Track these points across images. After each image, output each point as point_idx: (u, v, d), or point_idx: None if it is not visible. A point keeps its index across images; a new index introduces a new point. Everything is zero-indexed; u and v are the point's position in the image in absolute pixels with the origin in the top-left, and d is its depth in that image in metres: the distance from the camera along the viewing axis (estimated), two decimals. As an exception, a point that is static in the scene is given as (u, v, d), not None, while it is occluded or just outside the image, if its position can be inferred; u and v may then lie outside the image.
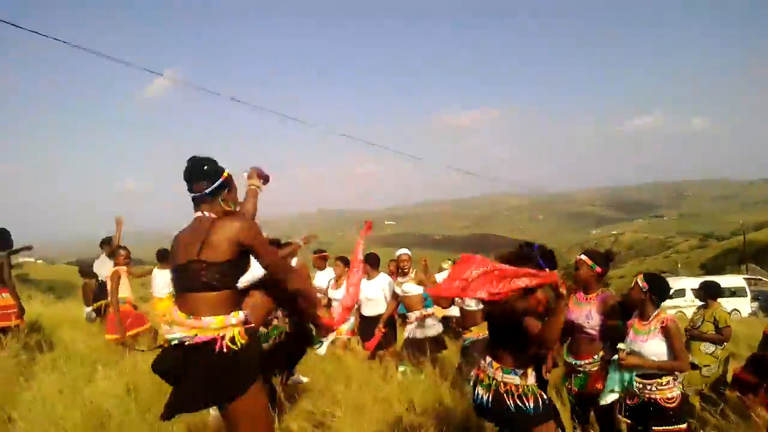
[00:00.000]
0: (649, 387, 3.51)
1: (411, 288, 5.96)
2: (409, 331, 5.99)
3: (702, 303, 5.80)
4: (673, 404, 3.46)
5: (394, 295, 6.15)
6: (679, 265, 67.47)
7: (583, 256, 3.98)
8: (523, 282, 2.77)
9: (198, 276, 2.31)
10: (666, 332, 3.49)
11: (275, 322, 4.24)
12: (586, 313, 3.84)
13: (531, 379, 2.97)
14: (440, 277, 7.89)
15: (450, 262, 8.59)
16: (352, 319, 6.42)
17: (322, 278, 7.23)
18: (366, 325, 6.32)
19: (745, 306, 20.25)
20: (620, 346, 3.58)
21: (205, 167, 2.51)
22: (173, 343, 2.33)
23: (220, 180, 2.51)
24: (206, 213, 2.48)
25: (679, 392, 3.50)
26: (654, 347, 3.50)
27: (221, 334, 2.29)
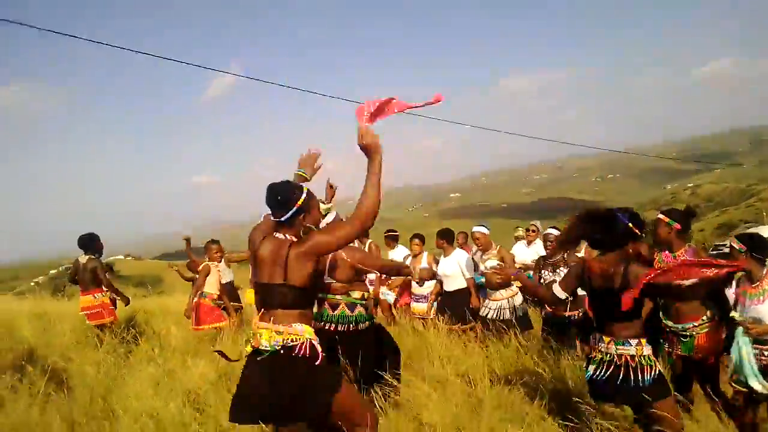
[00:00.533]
0: (766, 353, 3.27)
1: (494, 264, 5.86)
2: (493, 311, 5.86)
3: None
4: None
5: (473, 270, 6.09)
6: (765, 214, 63.57)
7: (660, 215, 3.80)
8: (712, 272, 2.60)
9: (285, 298, 2.54)
10: None
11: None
12: None
13: (647, 349, 2.85)
14: (516, 248, 7.72)
15: (521, 230, 8.34)
16: (390, 295, 6.49)
17: (395, 257, 7.27)
18: (447, 301, 6.28)
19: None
20: (735, 315, 3.34)
21: (279, 198, 2.63)
22: (264, 353, 2.49)
23: (295, 208, 2.62)
24: (286, 235, 2.64)
25: None
26: None
27: (310, 341, 2.53)
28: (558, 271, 5.13)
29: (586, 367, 3.05)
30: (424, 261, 6.44)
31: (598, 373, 2.90)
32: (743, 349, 3.28)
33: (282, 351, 2.47)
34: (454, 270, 6.16)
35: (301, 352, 2.48)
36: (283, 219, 2.63)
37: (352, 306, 3.94)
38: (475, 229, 6.18)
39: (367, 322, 3.99)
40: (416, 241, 6.69)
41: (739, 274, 3.44)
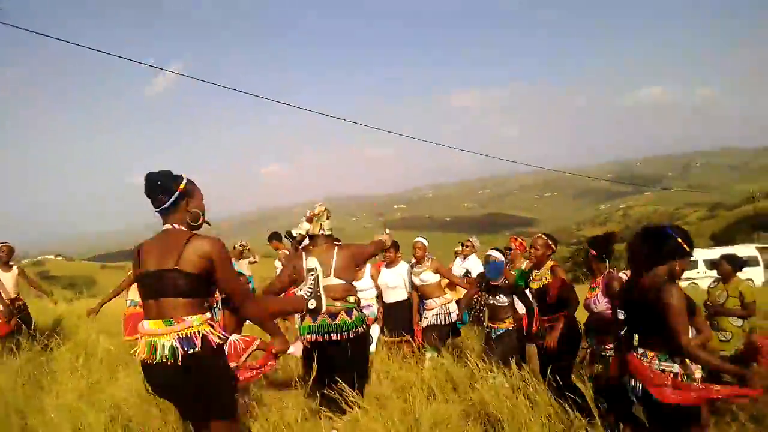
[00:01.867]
0: None
1: (428, 276, 5.90)
2: (429, 318, 5.91)
3: (718, 276, 5.63)
4: None
5: (412, 284, 6.12)
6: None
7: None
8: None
9: (174, 283, 2.45)
10: None
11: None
12: (593, 300, 3.84)
13: (696, 372, 2.82)
14: (456, 265, 7.83)
15: (460, 245, 8.46)
16: (374, 307, 6.37)
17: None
18: (389, 313, 6.25)
19: (758, 276, 19.97)
20: None
21: (159, 182, 2.58)
22: (163, 356, 2.40)
23: (177, 192, 2.58)
24: (176, 225, 2.59)
25: None
26: None
27: (206, 331, 2.46)
28: (498, 296, 5.15)
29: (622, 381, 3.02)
30: (367, 272, 6.40)
31: (634, 386, 2.88)
32: None
33: (185, 356, 2.40)
34: (398, 282, 6.16)
35: (207, 342, 2.44)
36: (166, 205, 2.57)
37: (349, 311, 3.96)
38: (417, 240, 6.19)
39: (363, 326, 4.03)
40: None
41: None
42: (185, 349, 2.38)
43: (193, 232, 2.60)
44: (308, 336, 3.96)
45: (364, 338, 4.13)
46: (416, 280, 6.01)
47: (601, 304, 4.43)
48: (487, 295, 5.18)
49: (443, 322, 5.86)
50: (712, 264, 5.55)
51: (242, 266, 8.24)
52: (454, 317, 5.88)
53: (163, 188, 2.56)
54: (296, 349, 4.12)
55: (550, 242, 4.76)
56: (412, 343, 5.94)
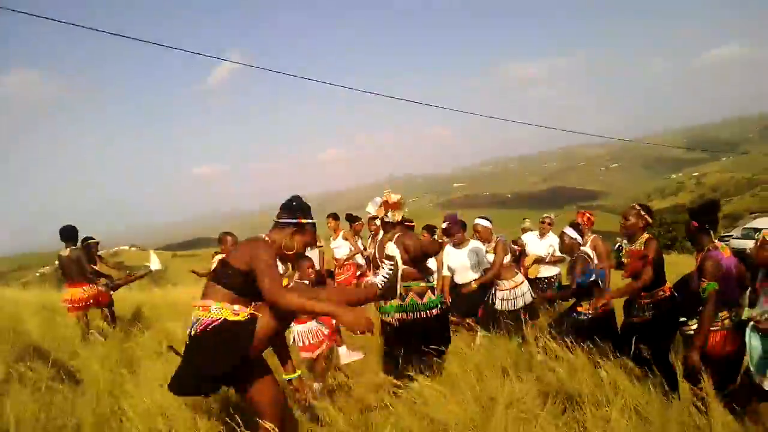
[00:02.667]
0: None
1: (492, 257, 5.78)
2: (498, 304, 5.71)
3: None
4: None
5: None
6: (772, 203, 63.01)
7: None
8: None
9: (224, 274, 2.74)
10: None
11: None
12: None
13: None
14: (528, 237, 7.58)
15: (528, 221, 8.20)
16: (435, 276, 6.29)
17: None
18: (458, 294, 6.15)
19: None
20: (753, 312, 3.26)
21: (294, 203, 2.93)
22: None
23: (295, 221, 2.88)
24: (267, 237, 2.85)
25: None
26: None
27: (221, 316, 2.65)
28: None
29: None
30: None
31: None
32: (751, 344, 3.26)
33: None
34: (468, 262, 6.03)
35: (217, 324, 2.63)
36: (280, 220, 2.90)
37: (433, 289, 4.47)
38: (478, 221, 6.07)
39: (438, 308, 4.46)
40: (424, 232, 6.61)
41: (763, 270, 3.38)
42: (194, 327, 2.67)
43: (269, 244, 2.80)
44: (397, 315, 4.37)
45: (447, 314, 4.72)
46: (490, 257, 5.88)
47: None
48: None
49: (510, 308, 5.63)
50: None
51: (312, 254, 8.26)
52: (527, 299, 5.67)
53: (290, 208, 2.90)
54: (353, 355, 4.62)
55: (643, 212, 4.34)
56: (471, 325, 5.87)
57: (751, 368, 3.27)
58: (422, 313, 4.35)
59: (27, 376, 4.27)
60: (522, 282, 5.75)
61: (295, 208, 2.91)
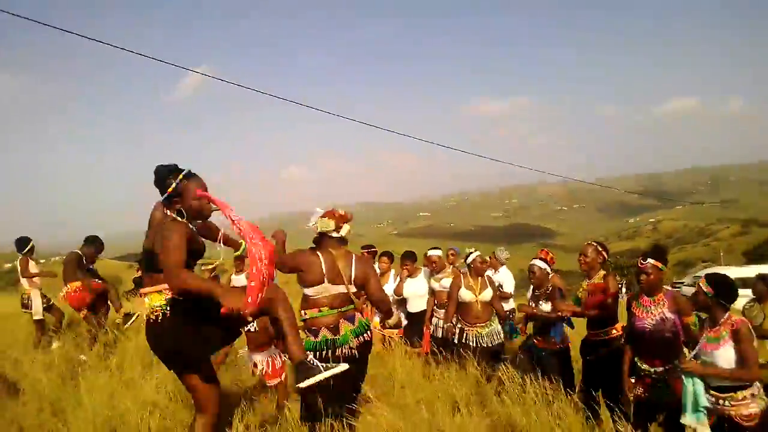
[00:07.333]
0: (722, 402, 3.21)
1: (448, 283, 5.87)
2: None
3: (753, 296, 5.47)
4: (752, 422, 3.13)
5: (431, 292, 6.18)
6: (722, 254, 65.42)
7: (650, 260, 3.78)
8: None
9: (157, 263, 2.75)
10: (736, 336, 3.17)
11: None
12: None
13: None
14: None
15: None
16: (401, 313, 6.30)
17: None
18: (413, 323, 6.26)
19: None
20: (686, 352, 3.40)
21: (155, 179, 2.87)
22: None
23: (167, 192, 2.83)
24: (168, 211, 2.87)
25: (759, 409, 3.15)
26: (728, 354, 3.19)
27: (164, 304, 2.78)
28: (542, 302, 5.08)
29: None
30: (390, 280, 6.45)
31: None
32: (687, 386, 3.31)
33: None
34: (423, 291, 6.19)
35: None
36: (163, 198, 2.87)
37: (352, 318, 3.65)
38: (432, 252, 6.37)
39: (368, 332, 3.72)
40: (384, 258, 6.68)
41: (704, 316, 3.52)
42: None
43: (185, 221, 2.82)
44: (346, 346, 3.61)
45: (371, 341, 3.84)
46: (436, 286, 6.12)
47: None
48: (542, 302, 5.06)
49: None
50: (743, 283, 5.29)
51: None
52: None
53: (159, 182, 2.85)
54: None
55: (600, 248, 4.49)
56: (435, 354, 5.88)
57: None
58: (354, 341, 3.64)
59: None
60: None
61: (159, 181, 2.85)
